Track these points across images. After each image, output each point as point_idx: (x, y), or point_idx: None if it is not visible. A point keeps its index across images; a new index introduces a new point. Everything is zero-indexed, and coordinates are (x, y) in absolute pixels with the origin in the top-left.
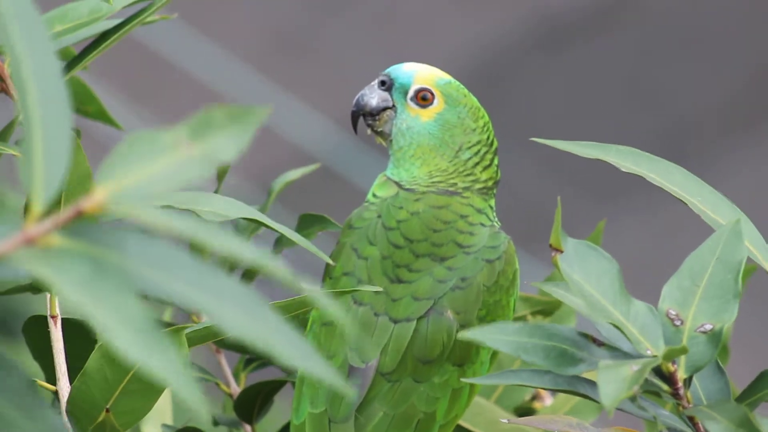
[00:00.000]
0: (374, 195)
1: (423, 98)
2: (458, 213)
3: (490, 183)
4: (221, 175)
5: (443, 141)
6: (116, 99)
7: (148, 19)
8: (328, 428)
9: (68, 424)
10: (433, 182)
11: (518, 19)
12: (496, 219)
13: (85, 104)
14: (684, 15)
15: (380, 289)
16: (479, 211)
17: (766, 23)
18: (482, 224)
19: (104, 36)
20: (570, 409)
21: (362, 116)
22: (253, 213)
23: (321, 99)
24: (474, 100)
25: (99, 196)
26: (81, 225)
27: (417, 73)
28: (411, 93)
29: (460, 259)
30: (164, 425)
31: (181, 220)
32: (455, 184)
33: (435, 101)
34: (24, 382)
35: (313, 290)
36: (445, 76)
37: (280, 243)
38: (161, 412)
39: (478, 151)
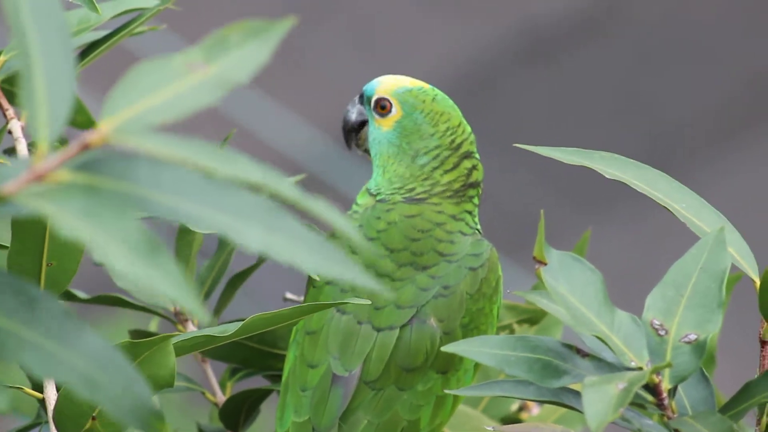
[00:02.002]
0: (357, 203)
1: (381, 107)
2: (433, 221)
3: (455, 186)
4: None
5: (401, 148)
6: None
7: (137, 29)
8: None
9: None
10: (393, 189)
11: (504, 28)
12: (479, 225)
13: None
14: (669, 25)
15: (368, 302)
16: (455, 218)
17: (755, 30)
18: (462, 232)
19: (93, 46)
20: (557, 419)
21: (351, 132)
22: None
23: (307, 107)
24: (436, 106)
25: (105, 128)
26: (90, 158)
27: (380, 84)
28: (372, 104)
29: (442, 268)
30: None
31: (186, 146)
32: (413, 189)
33: (393, 110)
34: (55, 311)
35: (323, 207)
36: (410, 84)
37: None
38: None
39: (437, 155)
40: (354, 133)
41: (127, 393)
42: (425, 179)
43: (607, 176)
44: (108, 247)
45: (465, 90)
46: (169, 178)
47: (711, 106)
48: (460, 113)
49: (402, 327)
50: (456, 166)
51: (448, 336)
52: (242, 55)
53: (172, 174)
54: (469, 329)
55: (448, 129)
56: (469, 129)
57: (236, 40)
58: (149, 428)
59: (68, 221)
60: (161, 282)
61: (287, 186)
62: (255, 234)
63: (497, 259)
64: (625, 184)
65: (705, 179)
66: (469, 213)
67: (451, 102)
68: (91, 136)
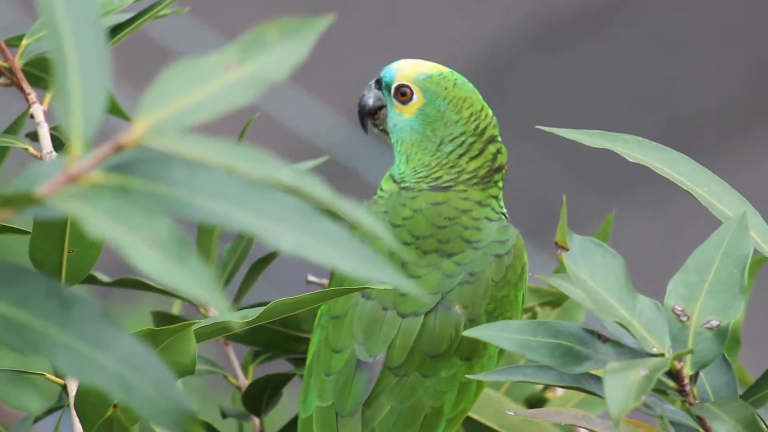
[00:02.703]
0: (382, 189)
1: (402, 94)
2: (459, 208)
3: (481, 172)
4: None
5: (425, 136)
6: (127, 93)
7: (161, 12)
8: (336, 422)
9: (76, 420)
10: (419, 178)
11: (519, 17)
12: (504, 208)
13: None
14: (683, 14)
15: (390, 286)
16: (481, 204)
17: (766, 23)
18: (488, 218)
19: (116, 30)
20: (580, 401)
21: (367, 116)
22: None
23: (328, 92)
24: (458, 92)
25: (138, 128)
26: (124, 159)
27: (399, 71)
28: (393, 90)
29: (468, 254)
30: None
31: (220, 148)
32: (440, 177)
33: (414, 97)
34: (89, 312)
35: (354, 210)
36: (429, 70)
37: None
38: None
39: (463, 142)
40: (371, 117)
41: (161, 396)
42: (451, 167)
43: (629, 159)
44: (137, 248)
45: (483, 76)
46: (204, 179)
47: (731, 93)
48: (480, 97)
49: (427, 313)
50: (481, 152)
51: (473, 323)
52: (279, 54)
53: (207, 176)
54: (494, 316)
55: (471, 115)
56: (491, 112)
57: (273, 38)
58: (182, 430)
59: (98, 222)
60: (190, 284)
61: (319, 187)
62: (289, 236)
63: (523, 246)
64: (648, 167)
65: (721, 168)
66: (495, 197)
67: (471, 86)
68: (125, 137)
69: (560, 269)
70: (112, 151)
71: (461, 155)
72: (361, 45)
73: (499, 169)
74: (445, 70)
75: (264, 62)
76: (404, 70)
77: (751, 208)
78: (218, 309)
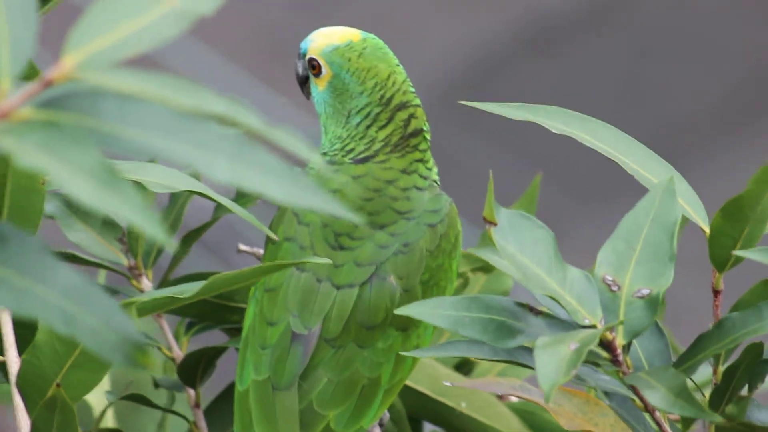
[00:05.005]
0: (310, 164)
1: (313, 67)
2: (382, 179)
3: (393, 139)
4: None
5: (335, 108)
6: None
7: None
8: (272, 396)
9: (19, 399)
10: (335, 150)
11: (508, 20)
12: (435, 175)
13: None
14: (675, 16)
15: (329, 261)
16: (405, 171)
17: (759, 22)
18: (417, 187)
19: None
20: (508, 365)
21: (302, 84)
22: (196, 185)
23: (310, 101)
24: (363, 62)
25: (67, 63)
26: (54, 95)
27: (311, 43)
28: (307, 64)
29: (401, 225)
30: (108, 392)
31: (150, 81)
32: (353, 149)
33: (323, 70)
34: (28, 247)
35: (289, 138)
36: (338, 41)
37: (219, 210)
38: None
39: (369, 113)
40: (303, 85)
41: (106, 327)
42: (361, 138)
43: (554, 131)
44: (68, 177)
45: (473, 79)
46: (135, 112)
47: (718, 98)
48: (392, 62)
49: (362, 285)
50: (390, 120)
51: (408, 293)
52: None
53: (138, 109)
54: (429, 286)
55: (376, 85)
56: (401, 77)
57: None
58: (133, 361)
59: (30, 155)
60: (122, 208)
61: (252, 117)
62: (223, 165)
63: (456, 214)
64: (575, 138)
65: (713, 171)
66: (420, 161)
67: (381, 53)
68: (54, 72)
69: (485, 240)
70: (41, 87)
71: (369, 126)
72: None
73: (414, 134)
74: (357, 38)
75: None
76: (315, 42)
77: (677, 174)
78: (150, 230)
